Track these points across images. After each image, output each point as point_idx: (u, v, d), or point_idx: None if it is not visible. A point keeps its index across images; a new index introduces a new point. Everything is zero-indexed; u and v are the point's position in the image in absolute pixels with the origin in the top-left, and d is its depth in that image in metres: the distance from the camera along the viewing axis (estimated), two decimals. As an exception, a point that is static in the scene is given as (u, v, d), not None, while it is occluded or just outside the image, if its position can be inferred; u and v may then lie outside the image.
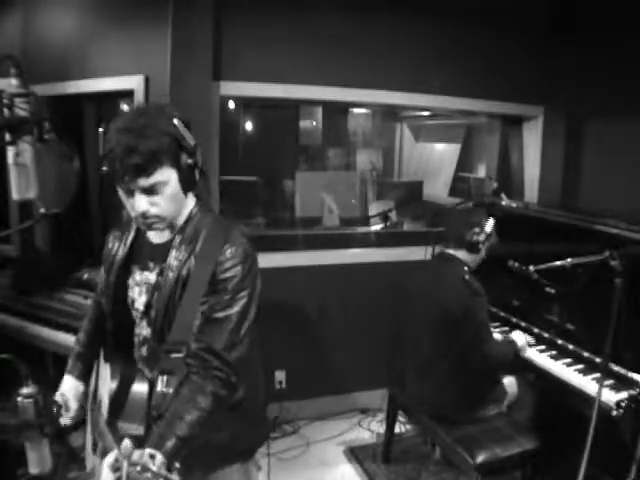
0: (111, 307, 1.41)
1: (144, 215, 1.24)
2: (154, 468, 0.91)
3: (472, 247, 2.30)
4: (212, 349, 1.23)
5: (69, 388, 1.46)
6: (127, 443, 0.93)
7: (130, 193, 1.23)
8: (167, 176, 1.23)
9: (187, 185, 1.28)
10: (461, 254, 2.32)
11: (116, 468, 0.95)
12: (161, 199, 1.24)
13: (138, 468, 0.90)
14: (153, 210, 1.24)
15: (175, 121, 1.25)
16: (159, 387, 1.23)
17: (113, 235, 1.47)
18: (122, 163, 1.17)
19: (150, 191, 1.22)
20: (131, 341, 1.41)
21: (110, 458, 0.98)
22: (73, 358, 1.51)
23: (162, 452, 1.04)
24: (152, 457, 0.94)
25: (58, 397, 1.45)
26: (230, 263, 1.26)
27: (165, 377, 1.23)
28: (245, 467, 1.49)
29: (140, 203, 1.22)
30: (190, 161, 1.26)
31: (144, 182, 1.20)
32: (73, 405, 1.45)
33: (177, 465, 0.95)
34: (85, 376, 1.50)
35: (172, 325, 1.26)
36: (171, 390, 1.22)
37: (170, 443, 1.10)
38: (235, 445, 1.41)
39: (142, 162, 1.17)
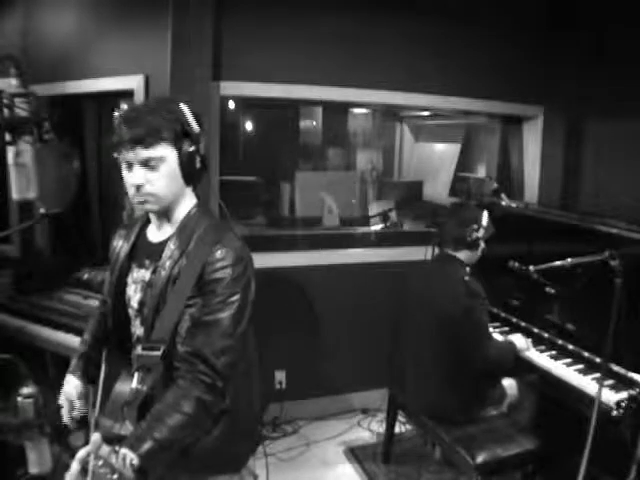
0: (112, 305, 1.42)
1: (138, 189, 1.26)
2: (115, 463, 0.92)
3: (472, 245, 2.30)
4: (199, 353, 1.21)
5: (71, 388, 1.47)
6: (96, 437, 0.93)
7: (129, 166, 1.26)
8: (166, 153, 1.25)
9: (186, 171, 1.30)
10: (461, 254, 2.32)
11: (85, 462, 0.95)
12: (156, 176, 1.25)
13: (100, 462, 0.91)
14: (148, 187, 1.26)
15: (182, 105, 1.30)
16: (134, 384, 1.20)
17: (119, 234, 1.48)
18: (125, 133, 1.22)
19: (147, 164, 1.24)
20: (129, 339, 1.41)
21: (82, 452, 0.98)
22: (76, 358, 1.51)
23: (137, 453, 1.02)
24: (115, 452, 0.95)
25: (62, 399, 1.44)
26: (219, 264, 1.25)
27: (141, 374, 1.21)
28: (238, 476, 1.45)
29: (137, 175, 1.25)
30: (192, 148, 1.29)
31: (143, 153, 1.23)
32: (77, 404, 1.45)
33: (137, 465, 0.96)
34: (87, 376, 1.49)
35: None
36: (145, 387, 1.19)
37: (146, 445, 1.07)
38: (221, 453, 1.35)
39: (143, 133, 1.21)
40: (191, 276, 1.25)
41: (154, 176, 1.25)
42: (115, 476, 0.90)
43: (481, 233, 2.30)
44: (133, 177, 1.25)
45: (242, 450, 1.46)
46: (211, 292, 1.24)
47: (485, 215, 2.34)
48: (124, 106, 1.31)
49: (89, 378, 1.50)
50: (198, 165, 1.32)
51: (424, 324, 2.31)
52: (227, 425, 1.33)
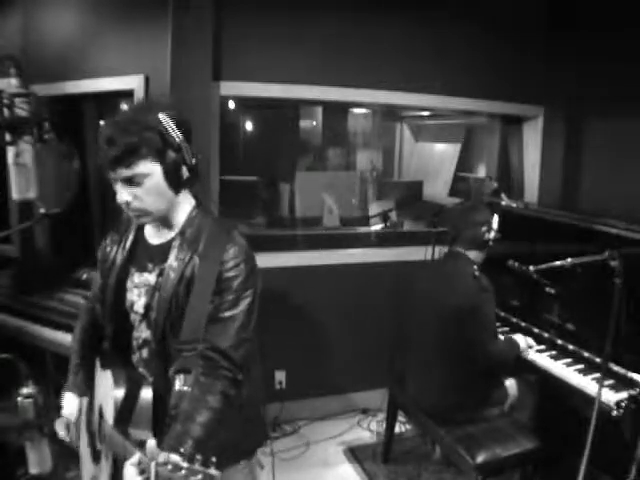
0: (109, 311, 1.40)
1: (127, 206, 1.26)
2: (186, 465, 0.91)
3: (483, 245, 2.33)
4: (219, 348, 1.24)
5: (72, 409, 1.44)
6: (152, 444, 0.93)
7: (115, 182, 1.26)
8: (149, 169, 1.23)
9: (173, 181, 1.27)
10: (471, 253, 2.33)
11: (142, 469, 0.95)
12: (142, 192, 1.24)
13: (169, 467, 0.90)
14: (135, 203, 1.25)
15: (161, 115, 1.24)
16: (177, 386, 1.23)
17: (111, 239, 1.46)
18: (105, 154, 1.20)
19: (131, 182, 1.23)
20: (129, 345, 1.39)
21: (134, 460, 0.98)
22: (73, 373, 1.48)
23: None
24: (183, 456, 0.94)
25: (61, 420, 1.43)
26: (234, 262, 1.28)
27: (182, 376, 1.23)
28: (249, 466, 1.49)
29: (121, 194, 1.25)
30: (175, 157, 1.25)
31: (124, 172, 1.22)
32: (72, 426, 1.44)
33: (213, 459, 0.93)
34: (86, 390, 1.48)
35: (179, 325, 1.26)
36: (187, 388, 1.22)
37: (187, 446, 1.10)
38: (238, 444, 1.41)
39: (120, 154, 1.19)
40: (210, 276, 1.26)
41: (140, 192, 1.24)
42: (199, 476, 0.90)
43: (491, 235, 2.34)
44: (119, 195, 1.25)
45: (253, 440, 1.51)
46: (227, 289, 1.27)
47: (495, 218, 2.37)
48: (107, 120, 1.27)
49: (88, 391, 1.48)
50: (186, 174, 1.28)
51: (431, 320, 2.31)
52: (242, 416, 1.37)
